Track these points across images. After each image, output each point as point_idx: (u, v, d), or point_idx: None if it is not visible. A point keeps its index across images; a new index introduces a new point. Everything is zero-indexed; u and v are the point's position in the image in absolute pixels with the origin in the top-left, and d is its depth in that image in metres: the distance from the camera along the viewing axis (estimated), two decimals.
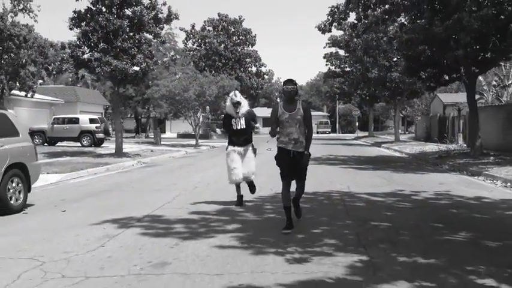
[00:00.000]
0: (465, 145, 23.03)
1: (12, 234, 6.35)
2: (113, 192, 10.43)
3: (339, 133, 71.40)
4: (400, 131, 61.00)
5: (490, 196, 9.54)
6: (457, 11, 15.02)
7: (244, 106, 8.13)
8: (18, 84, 24.87)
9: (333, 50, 45.99)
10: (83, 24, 20.09)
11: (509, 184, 11.22)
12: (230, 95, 8.28)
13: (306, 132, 6.29)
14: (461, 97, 32.14)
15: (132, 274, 4.50)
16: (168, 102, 34.74)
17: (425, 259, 4.92)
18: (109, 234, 6.12)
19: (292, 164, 6.21)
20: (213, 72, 45.75)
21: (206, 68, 47.09)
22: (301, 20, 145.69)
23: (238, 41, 50.09)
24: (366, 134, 50.65)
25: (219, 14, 50.28)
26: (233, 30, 50.29)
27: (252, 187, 8.47)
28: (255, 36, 50.55)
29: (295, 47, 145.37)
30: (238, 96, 8.12)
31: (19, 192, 8.01)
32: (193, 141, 34.80)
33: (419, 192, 9.95)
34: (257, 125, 8.48)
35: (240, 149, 8.07)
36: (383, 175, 13.46)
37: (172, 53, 47.77)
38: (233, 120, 8.03)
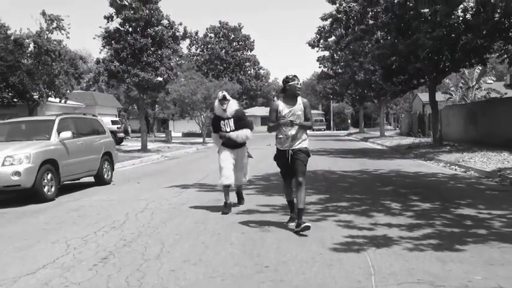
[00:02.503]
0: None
1: (118, 193, 10.45)
2: (161, 174, 14.55)
3: (334, 130, 75.68)
4: (389, 127, 65.30)
5: (426, 171, 13.69)
6: (416, 32, 19.19)
7: (233, 105, 7.71)
8: (53, 92, 28.94)
9: (326, 53, 50.12)
10: (113, 42, 24.22)
11: (448, 165, 15.36)
12: (218, 93, 7.95)
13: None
14: (439, 97, 36.41)
15: (203, 204, 8.60)
16: (178, 104, 38.87)
17: (361, 196, 9.06)
18: (179, 191, 10.24)
19: (289, 165, 6.19)
20: (215, 75, 49.98)
21: (208, 72, 51.24)
22: (298, 20, 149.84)
23: (238, 46, 54.23)
24: (358, 130, 54.90)
25: (220, 22, 54.49)
26: (233, 36, 54.43)
27: (240, 197, 8.30)
28: (253, 42, 54.81)
29: (292, 46, 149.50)
30: (226, 93, 7.76)
31: (109, 170, 12.14)
32: (198, 139, 38.97)
33: (378, 170, 14.12)
34: (246, 130, 7.75)
35: (233, 152, 7.73)
36: (359, 161, 17.62)
37: (177, 58, 51.74)
38: (222, 122, 7.65)
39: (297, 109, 6.17)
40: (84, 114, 12.67)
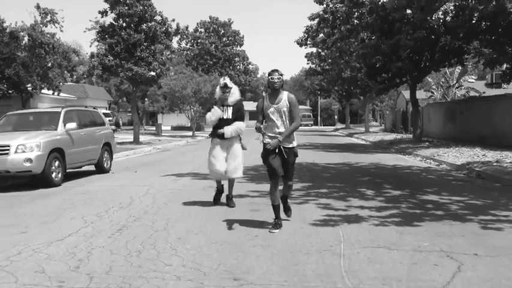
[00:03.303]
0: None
1: (118, 180, 11.35)
2: (156, 164, 15.45)
3: (321, 126, 76.91)
4: (375, 123, 66.65)
5: (403, 164, 14.79)
6: (398, 33, 20.26)
7: (235, 93, 7.48)
8: (46, 84, 29.55)
9: (314, 49, 51.24)
10: (107, 36, 24.94)
11: (424, 159, 16.48)
12: (220, 80, 7.65)
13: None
14: (421, 95, 37.70)
15: (198, 189, 9.54)
16: (168, 98, 39.64)
17: (340, 184, 10.09)
18: (175, 179, 11.17)
19: (279, 160, 5.88)
20: (205, 70, 50.77)
21: (198, 66, 51.99)
22: (286, 16, 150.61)
23: (228, 41, 55.01)
24: (344, 126, 56.12)
25: (210, 17, 55.21)
26: (223, 31, 55.19)
27: (230, 200, 7.65)
28: (242, 37, 55.63)
29: (281, 42, 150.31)
30: (228, 81, 7.45)
31: (108, 160, 13.02)
32: (188, 133, 39.81)
33: (359, 163, 15.18)
34: (243, 125, 7.51)
35: (225, 143, 7.40)
36: (342, 154, 18.68)
37: (169, 53, 52.41)
38: (220, 108, 7.35)
39: (282, 106, 5.92)
40: (85, 107, 13.50)
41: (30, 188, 10.07)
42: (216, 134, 7.43)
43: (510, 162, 12.80)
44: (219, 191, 7.85)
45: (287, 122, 5.95)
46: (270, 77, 5.92)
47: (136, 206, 7.75)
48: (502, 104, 19.25)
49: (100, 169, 12.65)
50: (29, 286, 4.04)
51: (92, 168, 12.83)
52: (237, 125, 7.44)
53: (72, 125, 11.05)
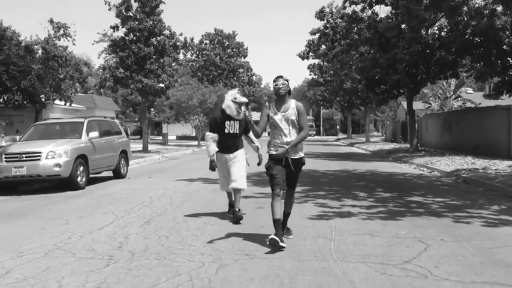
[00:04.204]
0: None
1: (136, 184, 12.46)
2: (167, 171, 16.56)
3: (323, 135, 78.04)
4: (377, 133, 67.71)
5: (398, 171, 15.87)
6: (395, 47, 21.43)
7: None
8: (59, 95, 30.83)
9: (316, 61, 52.58)
10: (118, 49, 26.22)
11: (418, 166, 17.55)
12: (231, 93, 7.15)
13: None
14: (419, 106, 38.85)
15: (210, 191, 10.64)
16: (174, 108, 40.89)
17: (336, 188, 11.17)
18: (187, 183, 12.27)
19: (285, 172, 5.63)
20: (210, 81, 52.08)
21: (203, 77, 53.32)
22: (290, 27, 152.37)
23: (232, 53, 56.39)
24: (346, 136, 57.25)
25: (215, 29, 56.66)
26: (227, 43, 56.60)
27: (234, 216, 7.12)
28: (247, 49, 57.05)
29: (284, 52, 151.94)
30: (243, 98, 7.10)
31: (124, 166, 14.15)
32: (193, 142, 41.00)
33: (357, 170, 16.26)
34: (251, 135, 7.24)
35: (229, 156, 7.21)
36: (342, 163, 19.76)
37: (177, 66, 53.91)
38: (227, 122, 7.08)
39: (289, 114, 5.64)
40: (105, 117, 14.67)
41: (56, 190, 11.19)
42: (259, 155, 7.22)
43: (495, 170, 13.86)
44: (231, 205, 7.58)
45: (294, 131, 5.68)
46: (274, 84, 5.70)
47: (156, 204, 8.86)
48: (493, 115, 20.32)
49: (117, 174, 13.78)
50: (85, 259, 5.14)
51: (110, 174, 13.96)
52: (253, 138, 7.22)
53: (94, 133, 12.20)
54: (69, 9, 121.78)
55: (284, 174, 5.63)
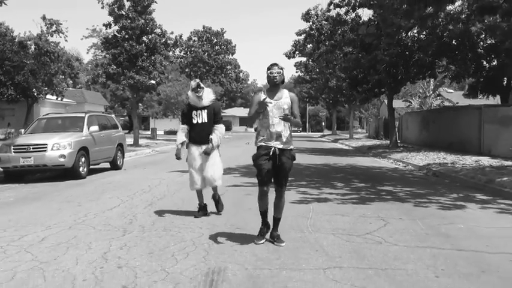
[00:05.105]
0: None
1: (133, 174, 13.47)
2: (159, 163, 17.57)
3: (309, 132, 79.45)
4: (362, 130, 69.27)
5: (375, 165, 17.10)
6: (376, 49, 22.67)
7: (209, 94, 7.16)
8: (51, 90, 31.54)
9: (303, 59, 53.80)
10: (110, 47, 27.08)
11: (395, 161, 18.81)
12: (191, 83, 7.18)
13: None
14: (400, 104, 40.29)
15: None
16: (163, 103, 41.78)
17: (317, 179, 12.33)
18: (181, 174, 13.27)
19: (273, 165, 5.35)
20: (198, 77, 52.95)
21: (192, 74, 54.21)
22: (277, 22, 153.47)
23: (220, 50, 57.34)
24: (331, 132, 58.65)
25: (203, 26, 57.48)
26: (216, 40, 57.53)
27: (218, 204, 7.42)
28: (234, 46, 57.98)
29: (271, 49, 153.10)
30: (199, 81, 7.18)
31: (121, 158, 15.15)
32: None
33: (338, 164, 17.46)
34: (222, 127, 7.20)
35: (201, 150, 7.06)
36: (324, 157, 20.96)
37: (167, 63, 54.71)
38: (193, 112, 7.07)
39: (282, 103, 5.37)
40: (103, 113, 15.61)
41: (59, 179, 12.17)
42: (205, 152, 7.04)
43: (462, 164, 15.15)
44: (201, 207, 7.31)
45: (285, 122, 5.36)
46: (269, 72, 5.42)
47: (155, 191, 9.91)
48: (466, 114, 21.69)
49: (114, 166, 14.76)
50: (104, 231, 6.20)
51: (107, 165, 14.93)
52: (220, 130, 7.16)
53: (94, 127, 13.18)
54: (59, 5, 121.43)
55: (270, 168, 5.34)
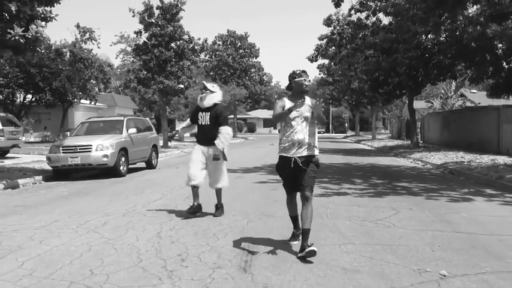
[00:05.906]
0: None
1: (167, 173, 14.63)
2: None
3: (332, 133, 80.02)
4: (385, 131, 69.53)
5: (395, 164, 17.89)
6: (396, 52, 23.39)
7: (214, 97, 7.20)
8: (85, 95, 33.24)
9: (326, 61, 54.61)
10: (141, 53, 28.51)
11: (415, 160, 19.54)
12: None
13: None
14: (422, 105, 40.70)
15: (233, 178, 12.74)
16: (190, 106, 43.13)
17: (338, 176, 13.25)
18: None
19: (295, 173, 5.24)
20: (223, 80, 54.31)
21: (217, 77, 55.58)
22: (301, 25, 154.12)
23: (244, 53, 58.59)
24: (354, 133, 59.24)
25: (228, 31, 58.87)
26: (240, 44, 58.81)
27: (217, 208, 7.43)
28: (258, 50, 59.14)
29: (294, 52, 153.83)
30: (209, 85, 7.27)
31: (155, 158, 16.35)
32: None
33: (359, 163, 18.31)
34: (226, 129, 7.22)
35: (205, 150, 7.22)
36: (346, 157, 21.81)
37: (191, 66, 56.22)
38: (200, 114, 7.23)
39: (304, 110, 5.21)
40: (138, 116, 16.85)
41: (102, 177, 13.40)
42: (214, 157, 7.20)
43: (478, 163, 15.84)
44: (193, 206, 7.34)
45: (309, 129, 5.27)
46: (300, 79, 5.24)
47: None
48: (485, 115, 22.24)
49: (149, 165, 15.97)
50: (154, 217, 7.30)
51: (143, 165, 16.15)
52: (223, 132, 7.20)
53: (133, 130, 14.40)
54: (87, 12, 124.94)
55: (291, 178, 5.30)
